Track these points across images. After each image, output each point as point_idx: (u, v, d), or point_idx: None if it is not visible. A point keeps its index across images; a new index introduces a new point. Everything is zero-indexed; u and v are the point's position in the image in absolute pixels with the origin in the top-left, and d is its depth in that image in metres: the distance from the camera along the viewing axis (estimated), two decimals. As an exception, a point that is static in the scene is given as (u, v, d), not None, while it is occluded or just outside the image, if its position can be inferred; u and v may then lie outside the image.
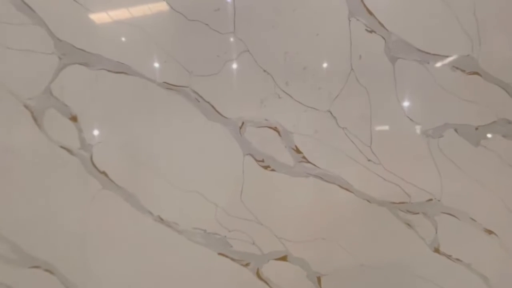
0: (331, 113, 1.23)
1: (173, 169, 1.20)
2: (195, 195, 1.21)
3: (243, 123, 1.32)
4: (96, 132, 1.17)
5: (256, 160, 1.31)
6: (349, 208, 1.26)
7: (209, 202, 1.22)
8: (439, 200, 1.32)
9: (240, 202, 1.21)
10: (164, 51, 1.26)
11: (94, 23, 1.16)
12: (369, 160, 1.24)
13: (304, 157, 1.24)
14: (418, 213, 1.27)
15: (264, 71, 1.30)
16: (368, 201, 1.24)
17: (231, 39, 1.29)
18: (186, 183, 1.21)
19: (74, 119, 1.17)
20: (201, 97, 1.32)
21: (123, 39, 1.19)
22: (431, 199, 1.27)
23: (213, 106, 1.31)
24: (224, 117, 1.23)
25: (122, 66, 1.17)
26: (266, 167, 1.24)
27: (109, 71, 1.17)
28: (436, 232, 1.23)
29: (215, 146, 1.32)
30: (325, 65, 1.24)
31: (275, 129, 1.32)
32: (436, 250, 1.22)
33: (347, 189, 1.23)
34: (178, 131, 1.26)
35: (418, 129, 1.33)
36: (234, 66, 1.21)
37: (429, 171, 1.31)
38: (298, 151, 1.24)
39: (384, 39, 1.21)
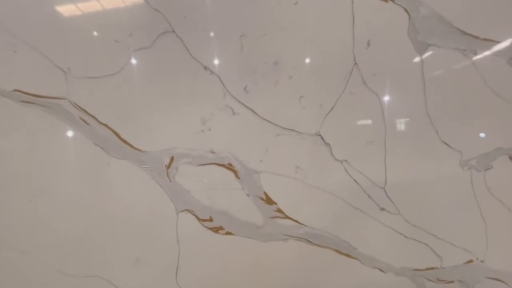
0: (322, 137, 0.69)
1: (53, 245, 0.73)
2: (94, 282, 0.75)
3: (172, 159, 0.73)
4: None
5: (200, 219, 0.74)
6: (353, 282, 0.88)
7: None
8: (482, 261, 0.84)
9: (175, 286, 0.77)
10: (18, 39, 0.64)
11: None
12: (382, 209, 0.76)
13: (279, 210, 0.69)
14: (452, 282, 0.93)
15: (205, 68, 0.72)
16: (380, 270, 0.88)
17: (144, 10, 0.69)
18: (78, 264, 0.76)
19: None
20: (90, 115, 0.71)
21: None
22: (471, 261, 0.80)
23: (114, 132, 0.71)
24: (137, 149, 0.63)
25: None
26: (216, 230, 0.72)
27: None
28: (477, 306, 0.82)
29: (124, 200, 0.74)
30: (310, 58, 0.67)
31: (228, 167, 0.75)
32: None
33: (348, 255, 0.83)
34: (50, 177, 0.67)
35: (456, 158, 0.82)
36: (144, 59, 0.62)
37: (471, 219, 0.82)
38: (269, 200, 0.69)
39: (407, 13, 0.66)
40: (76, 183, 0.74)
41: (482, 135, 0.85)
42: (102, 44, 0.70)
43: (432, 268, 0.90)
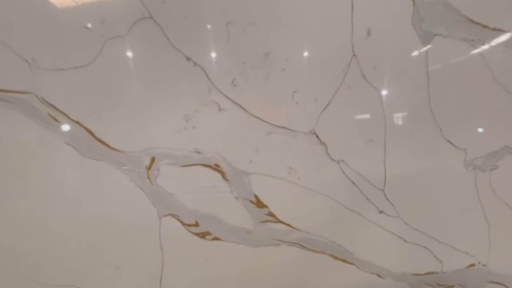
0: (317, 135, 0.62)
1: (24, 254, 0.68)
2: None
3: (153, 160, 0.66)
4: None
5: (185, 224, 0.68)
6: (349, 287, 0.73)
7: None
8: (484, 265, 0.79)
9: None
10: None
11: None
12: (381, 212, 0.71)
13: (270, 213, 0.64)
14: (453, 286, 0.90)
15: (188, 59, 0.64)
16: (378, 275, 0.82)
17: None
18: (52, 273, 0.69)
19: None
20: (60, 111, 0.64)
21: None
22: (473, 265, 0.74)
23: (88, 130, 0.64)
24: (114, 149, 0.56)
25: None
26: (203, 235, 0.67)
27: None
28: (477, 311, 0.77)
29: (101, 205, 0.67)
30: (305, 49, 0.63)
31: (215, 168, 0.68)
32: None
33: (344, 260, 0.78)
34: (16, 180, 0.63)
35: (460, 157, 0.76)
36: (123, 47, 0.55)
37: (474, 222, 0.77)
38: (260, 204, 0.63)
39: (411, -1, 0.63)
40: (46, 186, 0.66)
41: (488, 133, 0.78)
42: (71, 32, 0.62)
43: (432, 273, 0.85)
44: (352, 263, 0.81)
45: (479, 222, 0.83)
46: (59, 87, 0.63)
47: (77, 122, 0.64)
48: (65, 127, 0.64)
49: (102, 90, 0.64)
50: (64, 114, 0.64)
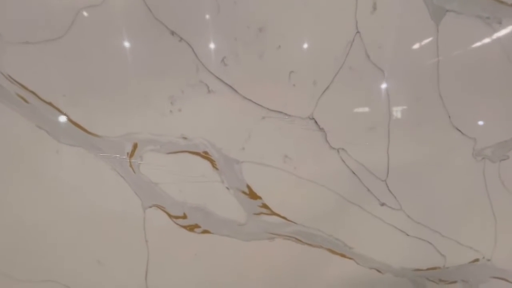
0: (315, 121, 0.56)
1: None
2: (49, 287, 0.58)
3: (135, 146, 0.60)
4: None
5: (171, 216, 0.62)
6: (347, 284, 0.78)
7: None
8: (489, 260, 0.74)
9: None
10: None
11: None
12: (382, 204, 0.67)
13: (264, 205, 0.60)
14: (455, 282, 0.84)
15: (173, 33, 0.57)
16: (378, 270, 0.76)
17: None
18: (30, 268, 0.64)
19: None
20: (29, 91, 0.57)
21: None
22: (477, 259, 0.70)
23: (62, 112, 0.57)
24: (92, 134, 0.49)
25: None
26: (192, 228, 0.62)
27: None
28: (480, 307, 0.76)
29: (79, 195, 0.61)
30: (303, 24, 0.63)
31: (204, 155, 0.62)
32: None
33: (343, 255, 0.72)
34: None
35: (468, 147, 0.70)
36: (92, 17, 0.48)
37: (480, 215, 0.72)
38: (253, 194, 0.59)
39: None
40: (18, 175, 0.60)
41: (500, 121, 0.72)
42: (40, 0, 0.54)
43: (435, 268, 0.80)
44: (350, 258, 0.75)
45: (486, 215, 0.78)
46: (27, 63, 0.55)
47: (50, 104, 0.57)
48: (36, 109, 0.57)
49: (76, 68, 0.57)
50: (34, 94, 0.57)
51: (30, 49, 0.55)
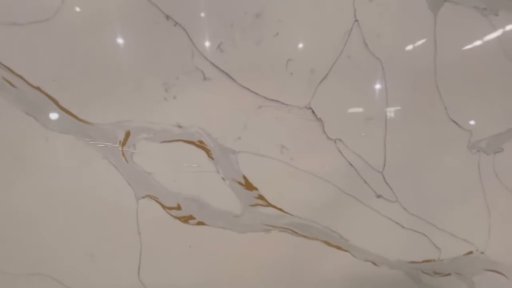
0: (312, 111, 0.54)
1: None
2: (40, 280, 0.62)
3: (128, 134, 0.58)
4: None
5: (165, 207, 0.60)
6: (343, 276, 0.77)
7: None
8: (482, 253, 0.74)
9: (138, 284, 0.66)
10: None
11: None
12: (378, 196, 0.67)
13: (260, 196, 0.57)
14: (449, 275, 0.82)
15: (168, 17, 0.55)
16: (373, 263, 0.73)
17: None
18: (20, 261, 0.61)
19: None
20: (17, 75, 0.54)
21: None
22: (471, 252, 0.69)
23: (50, 98, 0.55)
24: (83, 121, 0.47)
25: None
26: (186, 219, 0.61)
27: None
28: (473, 299, 0.77)
29: (70, 184, 0.59)
30: (301, 11, 0.61)
31: (199, 144, 0.60)
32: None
33: (339, 247, 0.70)
34: None
35: (464, 139, 0.70)
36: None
37: (474, 207, 0.71)
38: (249, 185, 0.57)
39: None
40: (5, 164, 0.57)
41: (495, 113, 0.72)
42: (28, -20, 0.52)
43: (429, 261, 0.80)
44: (346, 250, 0.75)
45: (480, 208, 0.78)
46: (14, 46, 0.53)
47: (37, 88, 0.55)
48: (24, 94, 0.55)
49: (66, 52, 0.55)
50: (21, 78, 0.54)
51: (17, 30, 0.52)
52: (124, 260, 0.66)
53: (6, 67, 0.53)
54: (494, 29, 0.66)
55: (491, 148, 0.74)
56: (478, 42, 0.67)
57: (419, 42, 0.65)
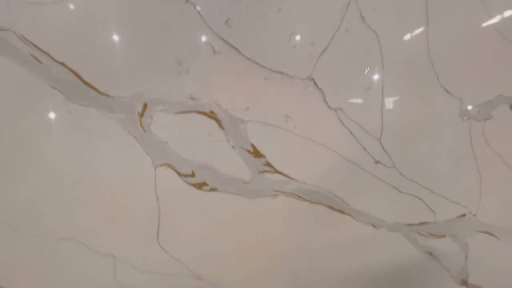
0: (314, 82, 0.59)
1: (15, 207, 0.64)
2: (65, 244, 0.68)
3: (145, 106, 0.62)
4: None
5: (181, 174, 0.65)
6: (345, 238, 0.81)
7: (96, 253, 0.67)
8: (474, 215, 0.80)
9: (157, 247, 0.69)
10: None
11: None
12: (377, 162, 0.69)
13: (268, 163, 0.63)
14: (444, 236, 0.85)
15: (179, -7, 0.59)
16: (374, 226, 0.80)
17: None
18: (46, 226, 0.66)
19: None
20: (43, 51, 0.58)
21: None
22: (464, 215, 0.73)
23: (74, 72, 0.59)
24: (104, 94, 0.51)
25: None
26: (200, 186, 0.65)
27: None
28: (466, 259, 0.85)
29: (92, 155, 0.63)
30: None
31: (211, 115, 0.65)
32: (464, 283, 0.92)
33: (341, 211, 0.77)
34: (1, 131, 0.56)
35: (455, 106, 0.75)
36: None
37: (467, 173, 0.76)
38: (257, 153, 0.61)
39: None
40: (32, 135, 0.62)
41: (484, 81, 0.77)
42: (51, -38, 0.55)
43: (425, 223, 0.85)
44: (348, 214, 0.80)
45: (472, 173, 0.83)
46: (39, 23, 0.57)
47: (62, 64, 0.59)
48: (49, 69, 0.59)
49: (87, 28, 0.59)
50: (47, 54, 0.58)
51: (42, 9, 0.56)
52: (144, 224, 0.71)
53: (33, 44, 0.57)
54: (484, 4, 0.70)
55: (481, 115, 0.78)
56: (468, 15, 0.70)
57: (413, 16, 0.68)
